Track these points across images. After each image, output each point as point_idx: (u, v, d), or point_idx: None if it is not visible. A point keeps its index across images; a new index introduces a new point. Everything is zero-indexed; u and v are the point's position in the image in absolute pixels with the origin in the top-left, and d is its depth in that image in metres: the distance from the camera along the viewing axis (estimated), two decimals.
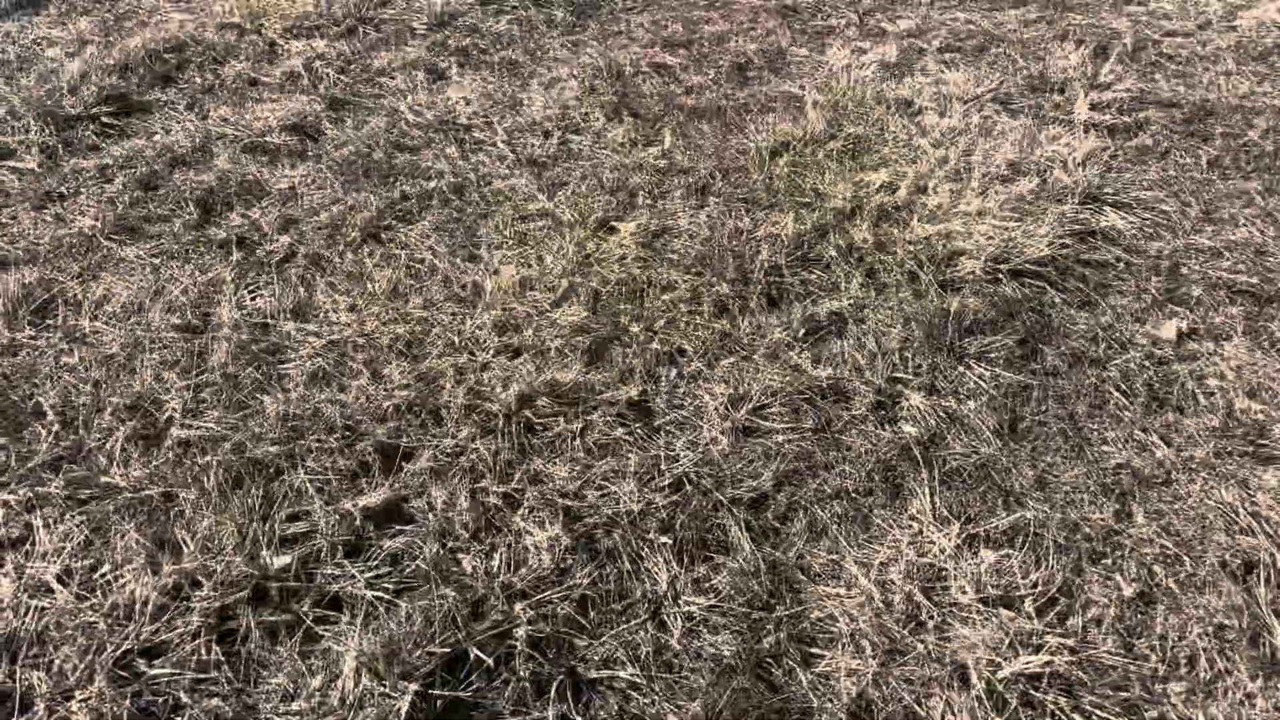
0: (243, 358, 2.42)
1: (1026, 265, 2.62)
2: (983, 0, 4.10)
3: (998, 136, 3.13)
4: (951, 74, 3.49)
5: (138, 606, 1.85)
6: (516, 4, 4.15)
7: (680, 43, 3.87)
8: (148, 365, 2.39)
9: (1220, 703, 1.72)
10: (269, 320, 2.54)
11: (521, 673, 1.80)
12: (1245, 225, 2.76)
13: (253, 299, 2.61)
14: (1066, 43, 3.70)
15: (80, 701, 1.71)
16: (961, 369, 2.38)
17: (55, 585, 1.90)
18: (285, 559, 1.95)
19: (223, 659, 1.80)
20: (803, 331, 2.49)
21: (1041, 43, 3.73)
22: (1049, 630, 1.82)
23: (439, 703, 1.76)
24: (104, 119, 3.37)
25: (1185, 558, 1.95)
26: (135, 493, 2.09)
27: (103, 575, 1.92)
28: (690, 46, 3.84)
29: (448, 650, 1.81)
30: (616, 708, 1.77)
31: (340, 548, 1.99)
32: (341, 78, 3.65)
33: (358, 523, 2.04)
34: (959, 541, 1.99)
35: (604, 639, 1.86)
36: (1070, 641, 1.80)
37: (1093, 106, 3.27)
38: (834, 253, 2.72)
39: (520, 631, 1.85)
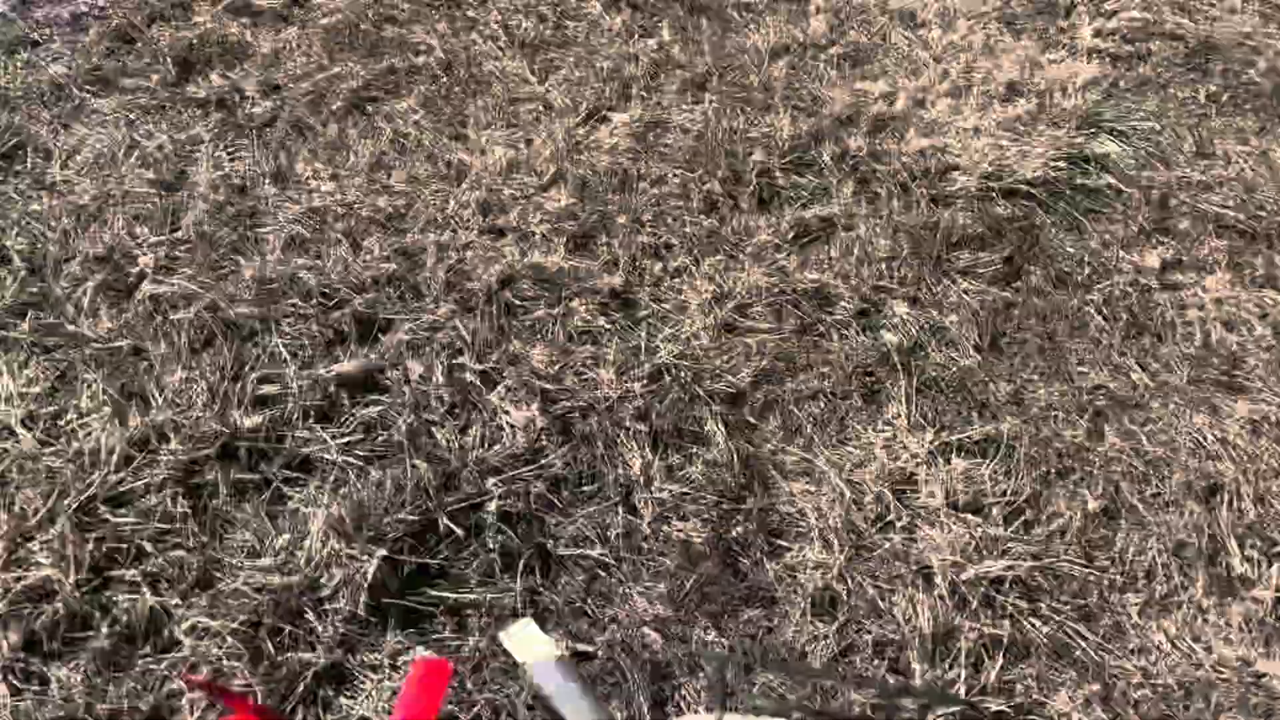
0: (219, 218, 2.36)
1: (1019, 185, 2.60)
2: None
3: (999, 56, 3.08)
4: None
5: (103, 455, 1.82)
6: None
7: None
8: (119, 218, 2.32)
9: (1174, 615, 1.76)
10: (246, 184, 2.47)
11: (491, 545, 1.81)
12: (1237, 162, 2.75)
13: (231, 161, 2.54)
14: None
15: (41, 543, 1.69)
16: (947, 282, 2.38)
17: (19, 429, 1.86)
18: (256, 419, 1.92)
19: (189, 512, 1.79)
20: (791, 234, 2.47)
21: None
22: (1014, 538, 1.85)
23: (406, 569, 1.76)
24: None
25: (1152, 477, 1.98)
26: (103, 344, 2.04)
27: (68, 423, 1.89)
28: None
29: (417, 519, 1.81)
30: (584, 585, 1.79)
31: (312, 413, 1.97)
32: None
33: (331, 389, 2.01)
34: (932, 448, 2.00)
35: (575, 518, 1.87)
36: (1034, 549, 1.83)
37: (1097, 33, 3.22)
38: (828, 159, 2.68)
39: (492, 505, 1.85)
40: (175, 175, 2.47)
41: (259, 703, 1.52)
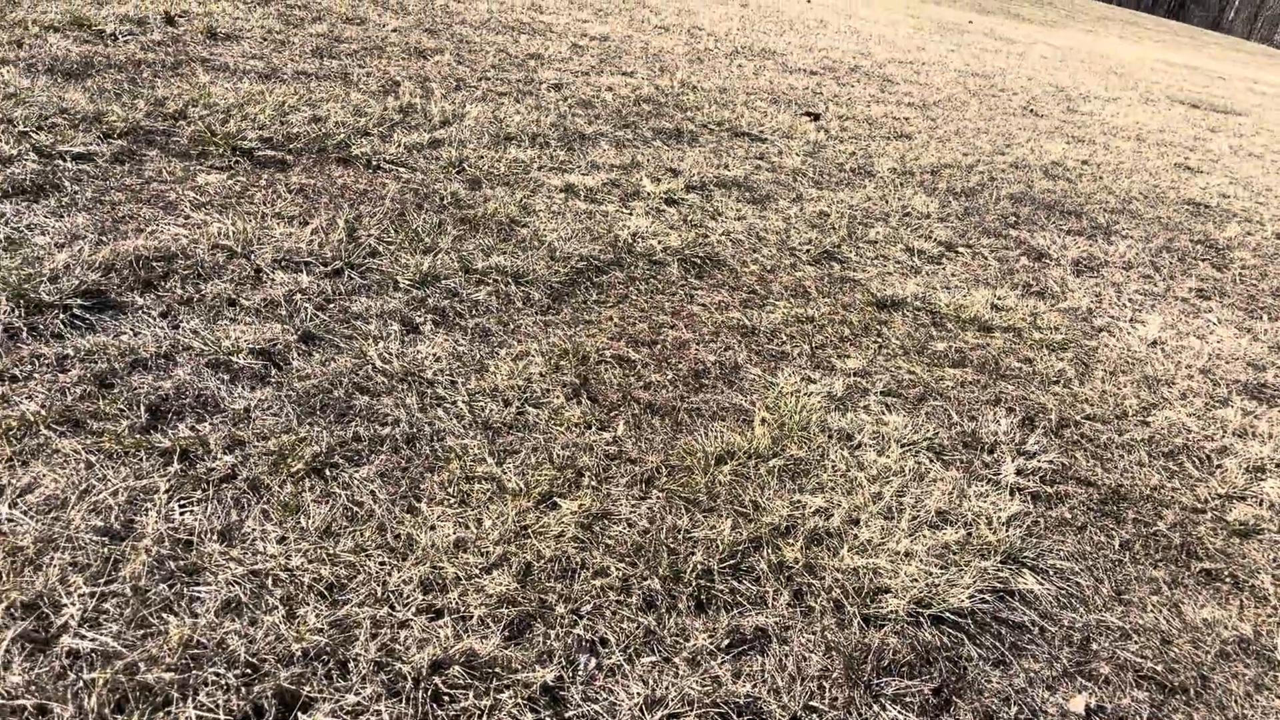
0: (158, 573, 2.35)
1: (947, 613, 2.69)
2: (925, 355, 4.43)
3: (929, 484, 3.30)
4: (892, 417, 3.71)
5: None
6: (498, 278, 4.39)
7: (644, 341, 4.09)
8: (56, 564, 2.30)
9: None
10: (193, 538, 2.49)
11: None
12: (1153, 611, 2.88)
13: (183, 514, 2.56)
14: (998, 408, 3.99)
15: None
16: (878, 708, 2.38)
17: None
18: None
19: None
20: (726, 642, 2.49)
21: (975, 404, 4.00)
22: None
23: None
24: (76, 310, 3.41)
25: None
26: (7, 700, 1.95)
27: None
28: (653, 346, 4.06)
29: None
30: None
31: None
32: (319, 314, 3.77)
33: None
34: None
35: None
36: None
37: (1019, 472, 3.48)
38: (765, 567, 2.77)
39: None
40: (124, 524, 2.48)
41: None
